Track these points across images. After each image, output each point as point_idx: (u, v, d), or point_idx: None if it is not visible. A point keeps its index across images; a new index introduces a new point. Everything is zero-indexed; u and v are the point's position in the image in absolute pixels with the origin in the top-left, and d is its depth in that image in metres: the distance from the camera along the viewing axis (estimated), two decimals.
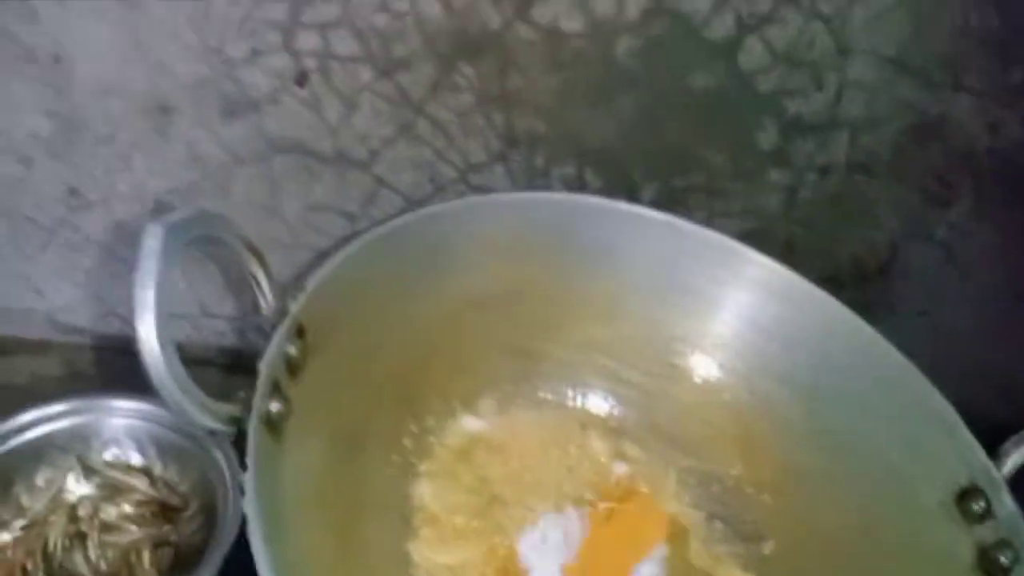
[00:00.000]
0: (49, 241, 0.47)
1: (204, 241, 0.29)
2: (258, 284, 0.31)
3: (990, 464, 0.39)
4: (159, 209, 0.45)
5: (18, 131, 0.43)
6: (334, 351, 0.34)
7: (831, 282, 0.50)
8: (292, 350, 0.31)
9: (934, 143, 0.45)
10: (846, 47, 0.41)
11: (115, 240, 0.47)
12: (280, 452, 0.29)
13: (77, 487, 0.44)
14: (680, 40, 0.41)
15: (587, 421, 0.46)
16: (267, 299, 0.32)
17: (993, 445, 0.40)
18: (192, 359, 0.51)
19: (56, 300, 0.50)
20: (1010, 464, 0.39)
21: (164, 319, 0.26)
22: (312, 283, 0.33)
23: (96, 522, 0.43)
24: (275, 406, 0.29)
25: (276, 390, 0.30)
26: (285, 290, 0.33)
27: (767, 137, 0.45)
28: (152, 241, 0.26)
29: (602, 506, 0.42)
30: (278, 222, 0.47)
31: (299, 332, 0.32)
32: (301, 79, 0.41)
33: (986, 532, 0.37)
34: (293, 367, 0.31)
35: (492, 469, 0.41)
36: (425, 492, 0.40)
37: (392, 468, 0.39)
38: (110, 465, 0.45)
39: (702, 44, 0.41)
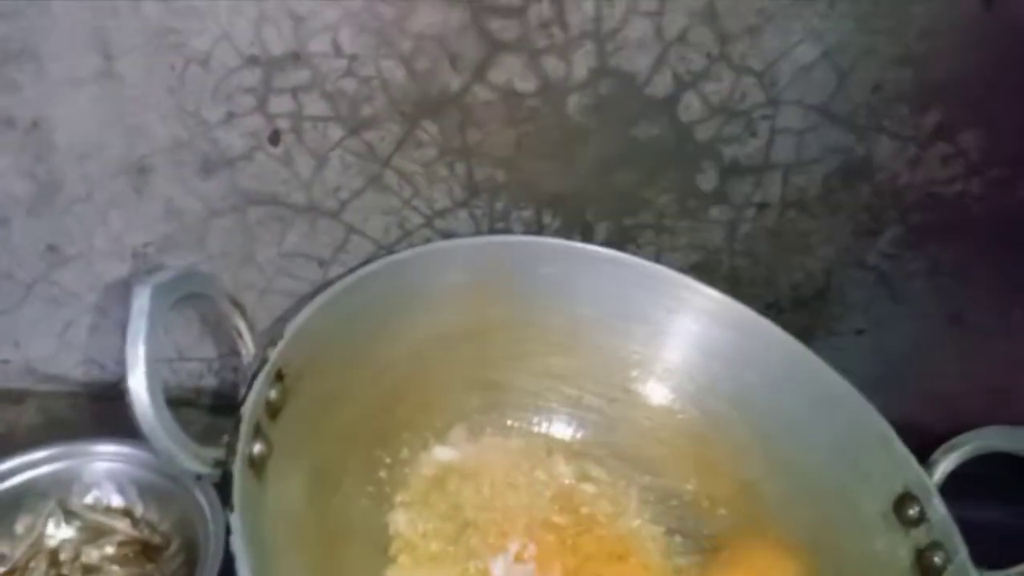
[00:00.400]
0: (27, 296, 0.48)
1: (190, 297, 0.31)
2: (239, 334, 0.34)
3: (923, 472, 0.42)
4: (137, 262, 0.47)
5: None
6: (310, 392, 0.37)
7: (772, 307, 0.55)
8: (272, 394, 0.34)
9: (861, 180, 0.49)
10: (775, 98, 0.45)
11: (92, 292, 0.49)
12: (262, 491, 0.32)
13: (58, 532, 0.45)
14: (625, 97, 0.44)
15: (552, 446, 0.48)
16: (248, 347, 0.34)
17: (926, 455, 0.43)
18: (170, 400, 0.54)
19: (33, 351, 0.51)
20: (940, 471, 0.43)
21: (154, 374, 0.28)
22: (289, 330, 0.35)
23: (78, 564, 0.44)
24: (257, 448, 0.32)
25: (257, 432, 0.32)
26: (263, 336, 0.36)
27: (707, 179, 0.49)
28: (141, 301, 0.28)
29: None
30: (252, 269, 0.49)
31: (278, 376, 0.34)
32: (274, 138, 0.44)
33: (921, 535, 0.41)
34: (273, 410, 0.34)
35: (464, 496, 0.43)
36: (400, 520, 0.42)
37: (368, 499, 0.41)
38: (91, 508, 0.46)
39: (645, 100, 0.45)
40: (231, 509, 0.28)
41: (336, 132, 0.44)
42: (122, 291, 0.49)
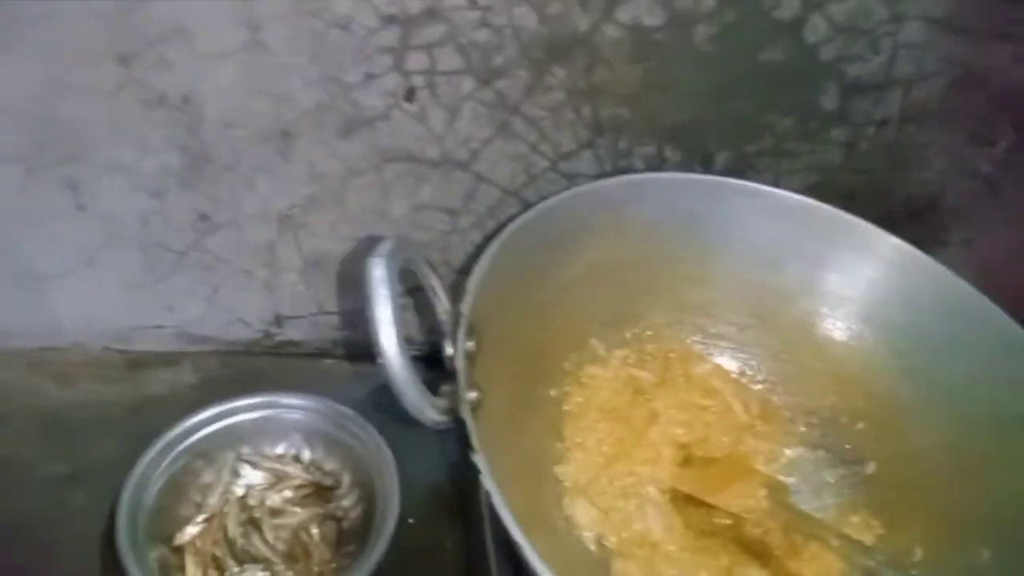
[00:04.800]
0: (179, 263, 0.51)
1: (407, 261, 0.33)
2: (435, 292, 0.36)
3: None
4: (283, 225, 0.49)
5: (150, 167, 0.46)
6: (490, 338, 0.39)
7: (885, 221, 0.55)
8: (470, 345, 0.36)
9: (977, 91, 0.50)
10: (899, 14, 0.45)
11: (239, 255, 0.51)
12: (481, 431, 0.34)
13: (242, 480, 0.49)
14: (752, 23, 0.45)
15: (688, 373, 0.51)
16: (442, 303, 0.36)
17: None
18: (315, 353, 0.56)
19: (185, 315, 0.54)
20: None
21: (400, 333, 0.31)
22: (471, 285, 0.38)
23: (265, 508, 0.48)
24: (472, 395, 0.34)
25: (468, 382, 0.35)
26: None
27: (829, 99, 0.49)
28: (378, 271, 0.31)
29: None
30: (385, 224, 0.51)
31: (470, 329, 0.37)
32: (410, 95, 0.45)
33: None
34: (472, 360, 0.36)
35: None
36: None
37: (543, 431, 0.44)
38: (265, 457, 0.50)
39: (772, 24, 0.45)
40: (473, 450, 0.31)
41: (468, 84, 0.45)
42: (267, 253, 0.51)
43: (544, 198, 0.46)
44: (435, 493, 0.49)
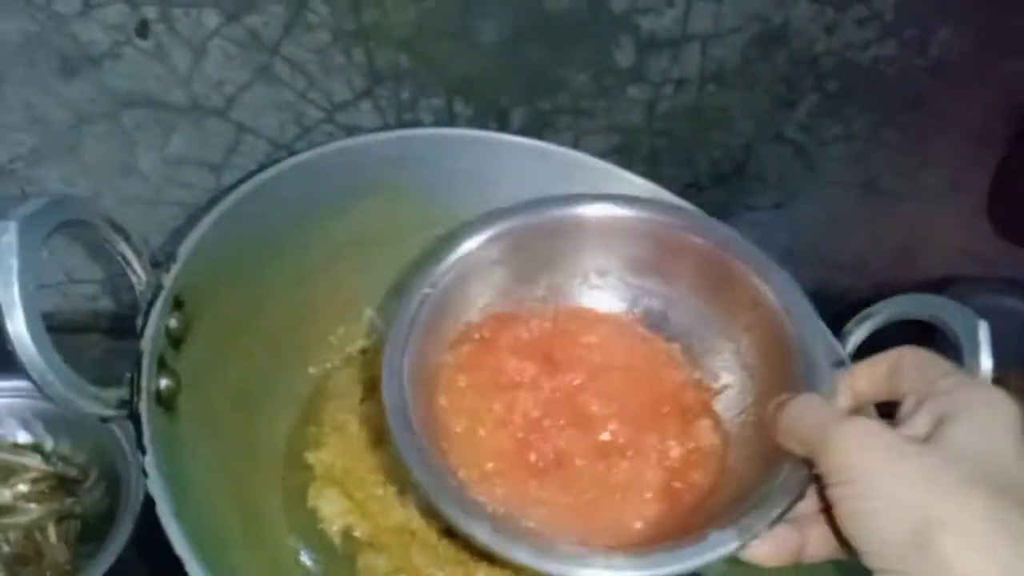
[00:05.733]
0: None
1: (65, 226, 0.28)
2: (127, 262, 0.30)
3: (837, 344, 0.43)
4: (5, 179, 0.42)
5: None
6: (215, 315, 0.34)
7: (692, 187, 0.54)
8: (173, 323, 0.31)
9: (779, 50, 0.48)
10: None
11: None
12: (175, 427, 0.30)
13: None
14: None
15: None
16: (138, 275, 0.31)
17: (840, 319, 0.44)
18: (66, 327, 0.50)
19: None
20: (852, 342, 0.44)
21: (34, 314, 0.25)
22: (183, 252, 0.32)
23: None
24: (164, 383, 0.29)
25: (163, 366, 0.30)
26: (159, 253, 0.33)
27: (624, 55, 0.46)
28: (7, 237, 0.25)
29: None
30: (136, 179, 0.45)
31: (177, 304, 0.31)
32: (142, 30, 0.39)
33: None
34: (176, 339, 0.31)
35: None
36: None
37: (293, 416, 0.40)
38: None
39: None
40: (143, 452, 0.26)
41: (212, 19, 0.40)
42: None
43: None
44: None
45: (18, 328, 0.25)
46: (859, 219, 0.59)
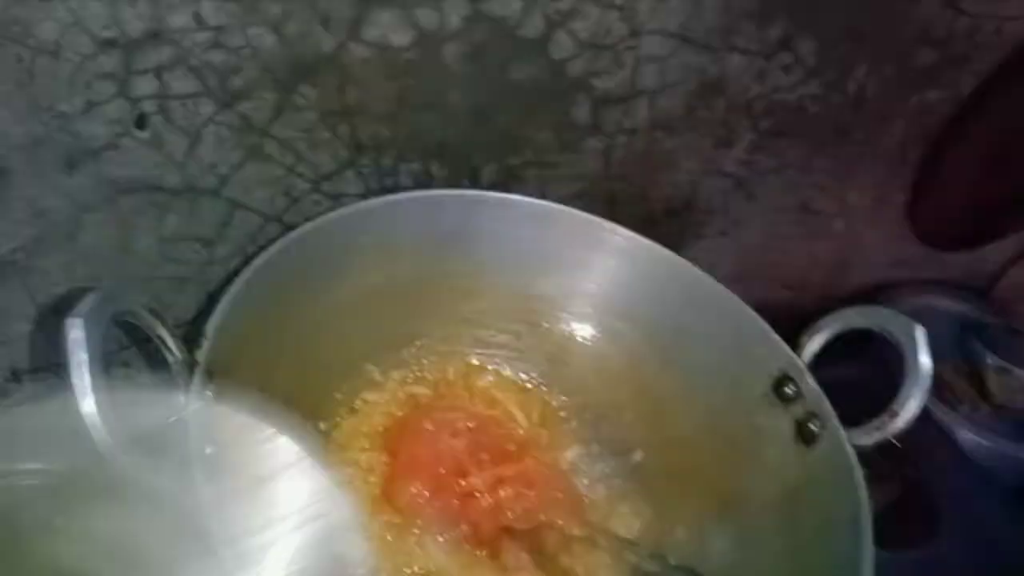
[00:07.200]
0: None
1: (117, 315, 0.30)
2: (163, 342, 0.33)
3: (793, 355, 0.48)
4: (5, 269, 0.44)
5: None
6: (239, 382, 0.37)
7: (647, 222, 0.59)
8: (209, 394, 0.34)
9: (717, 97, 0.53)
10: (637, 30, 0.48)
11: None
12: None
13: None
14: (499, 41, 0.45)
15: (469, 382, 0.51)
16: (174, 354, 0.33)
17: (782, 330, 0.49)
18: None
19: None
20: (807, 352, 0.49)
21: (103, 400, 0.28)
22: (211, 328, 0.35)
23: None
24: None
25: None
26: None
27: (581, 112, 0.51)
28: (76, 332, 0.28)
29: None
30: (133, 259, 0.47)
31: (209, 375, 0.34)
32: (141, 122, 0.41)
33: (798, 409, 0.47)
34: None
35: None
36: None
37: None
38: None
39: (519, 42, 0.45)
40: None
41: (207, 107, 0.42)
42: None
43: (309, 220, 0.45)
44: None
45: (89, 411, 0.27)
46: (797, 239, 0.65)
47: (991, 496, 0.63)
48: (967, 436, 0.65)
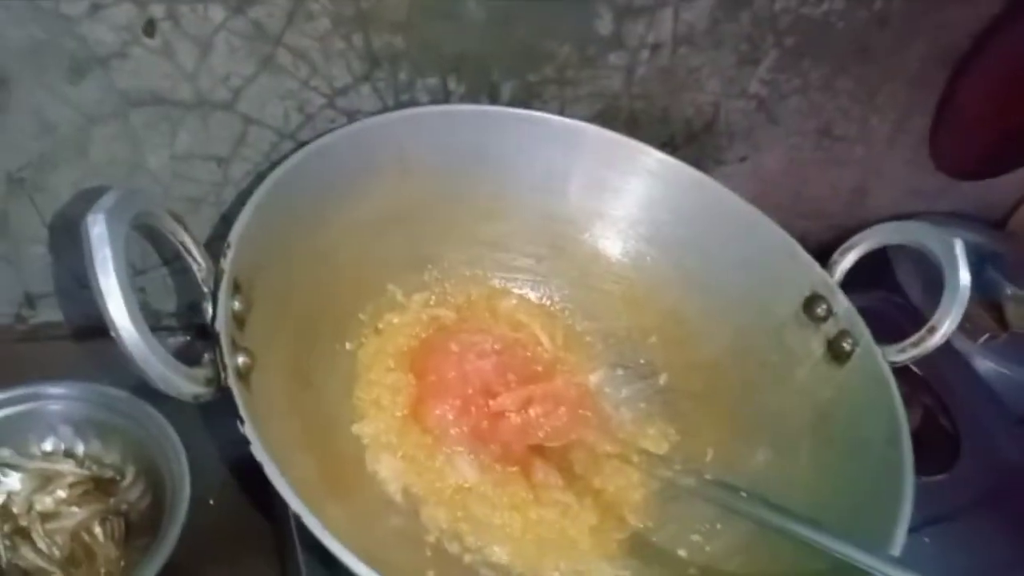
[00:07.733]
0: None
1: (139, 216, 0.29)
2: (187, 249, 0.32)
3: (825, 274, 0.47)
4: (13, 188, 0.42)
5: None
6: (264, 297, 0.36)
7: (668, 145, 0.57)
8: (236, 305, 0.32)
9: (743, 10, 0.51)
10: None
11: None
12: (253, 400, 0.31)
13: (1, 487, 0.43)
14: None
15: (493, 307, 0.50)
16: (199, 262, 0.32)
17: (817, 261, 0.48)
18: (79, 333, 0.50)
19: None
20: (839, 271, 0.48)
21: (132, 300, 0.27)
22: (234, 237, 0.34)
23: (34, 514, 0.42)
24: (241, 360, 0.31)
25: (235, 345, 0.31)
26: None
27: (604, 24, 0.49)
28: (98, 228, 0.26)
29: None
30: (145, 177, 0.45)
31: (236, 287, 0.33)
32: (149, 28, 0.39)
33: (830, 327, 0.46)
34: (239, 320, 0.33)
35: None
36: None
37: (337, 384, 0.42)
38: (29, 457, 0.43)
39: None
40: (242, 422, 0.28)
41: (218, 13, 0.40)
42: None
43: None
44: (235, 469, 0.46)
45: (119, 314, 0.26)
46: (818, 165, 0.64)
47: (1009, 423, 0.62)
48: (985, 364, 0.65)
